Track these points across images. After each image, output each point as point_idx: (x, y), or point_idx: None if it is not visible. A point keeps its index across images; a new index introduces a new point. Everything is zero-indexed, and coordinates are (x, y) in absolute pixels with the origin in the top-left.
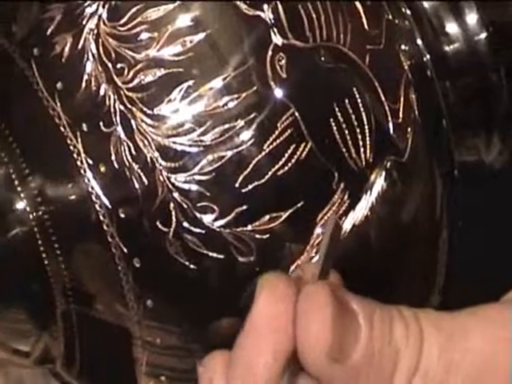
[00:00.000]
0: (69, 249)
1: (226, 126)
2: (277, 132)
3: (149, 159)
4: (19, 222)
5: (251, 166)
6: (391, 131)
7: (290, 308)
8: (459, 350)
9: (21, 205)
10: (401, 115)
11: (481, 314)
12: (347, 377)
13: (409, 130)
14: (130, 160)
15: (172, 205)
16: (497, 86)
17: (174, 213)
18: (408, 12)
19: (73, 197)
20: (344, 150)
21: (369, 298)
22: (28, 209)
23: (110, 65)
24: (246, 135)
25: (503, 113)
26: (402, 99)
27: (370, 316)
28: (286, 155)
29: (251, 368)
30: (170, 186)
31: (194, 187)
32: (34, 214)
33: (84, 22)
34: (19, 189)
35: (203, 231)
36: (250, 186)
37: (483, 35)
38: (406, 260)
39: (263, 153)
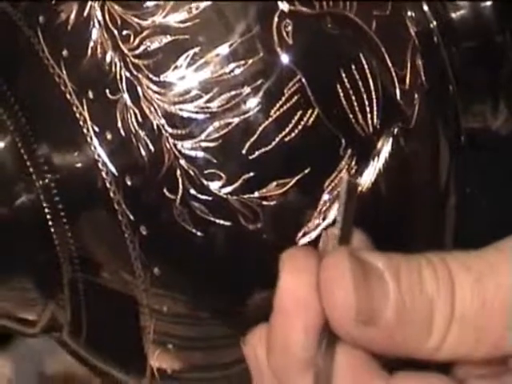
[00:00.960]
0: (75, 217)
1: (233, 92)
2: (283, 98)
3: (155, 126)
4: (25, 191)
5: (258, 132)
6: (398, 97)
7: (313, 280)
8: (490, 287)
9: (27, 173)
10: (407, 81)
11: (507, 248)
12: (383, 337)
13: (416, 96)
14: (137, 127)
15: (179, 172)
16: (502, 50)
17: (180, 180)
18: None
19: (79, 164)
20: (351, 116)
21: (393, 253)
22: (34, 177)
23: (115, 32)
24: (253, 102)
25: (509, 78)
26: (408, 65)
27: (397, 270)
28: (293, 121)
29: (287, 348)
30: (177, 153)
31: (201, 154)
32: (41, 182)
33: None
34: (25, 157)
35: (210, 198)
36: (256, 153)
37: (489, 1)
38: (413, 226)
39: (270, 119)
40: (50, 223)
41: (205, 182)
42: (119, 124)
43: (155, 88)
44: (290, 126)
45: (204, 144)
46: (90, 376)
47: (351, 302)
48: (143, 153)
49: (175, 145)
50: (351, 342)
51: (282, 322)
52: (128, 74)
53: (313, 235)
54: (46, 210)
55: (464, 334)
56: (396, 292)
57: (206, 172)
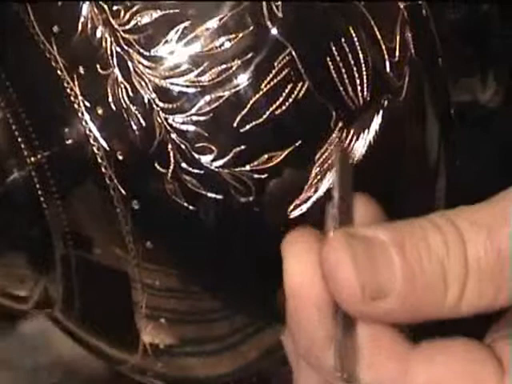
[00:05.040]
0: (67, 192)
1: (223, 66)
2: (274, 71)
3: (146, 100)
4: (17, 167)
5: (249, 105)
6: (388, 70)
7: (317, 259)
8: (503, 238)
9: (18, 149)
10: (397, 54)
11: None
12: (397, 308)
13: (405, 68)
14: (128, 102)
15: (170, 146)
16: (490, 23)
17: (172, 154)
18: None
19: (70, 140)
20: (341, 88)
21: (397, 222)
22: (26, 153)
23: (105, 7)
24: (243, 75)
25: (498, 51)
26: (398, 38)
27: (401, 239)
28: (284, 94)
29: (303, 327)
30: (168, 127)
31: (192, 128)
32: (32, 158)
33: None
34: (16, 133)
35: (201, 172)
36: (247, 126)
37: None
38: (403, 202)
39: (260, 92)
40: (42, 199)
41: (196, 156)
42: (110, 99)
43: (146, 62)
44: (281, 99)
45: (195, 118)
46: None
47: (354, 282)
48: (134, 127)
49: (166, 119)
50: (366, 318)
51: (295, 305)
52: (119, 49)
53: (304, 208)
54: (38, 186)
55: (483, 286)
56: (402, 263)
57: (197, 146)
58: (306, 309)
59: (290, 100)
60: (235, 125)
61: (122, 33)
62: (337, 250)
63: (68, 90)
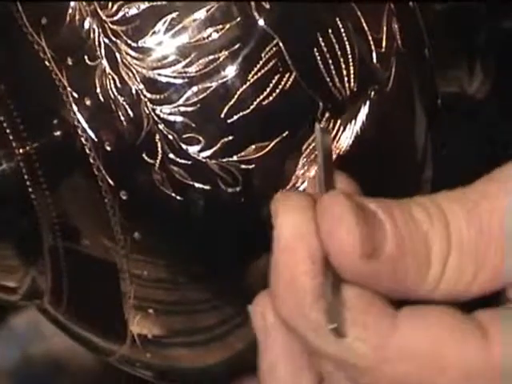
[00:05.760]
0: (55, 184)
1: (211, 57)
2: (261, 62)
3: (134, 91)
4: (6, 158)
5: (236, 96)
6: (374, 61)
7: (311, 215)
8: (485, 213)
9: (7, 140)
10: (384, 45)
11: (497, 176)
12: (386, 271)
13: (392, 59)
14: (115, 93)
15: (158, 136)
16: (478, 14)
17: (159, 144)
18: None
19: (59, 131)
20: (328, 79)
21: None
22: (14, 144)
23: None
24: (231, 66)
25: (484, 42)
26: (384, 29)
27: (390, 210)
28: (271, 85)
29: (294, 281)
30: (156, 118)
31: (180, 119)
32: (21, 149)
33: None
34: (5, 124)
35: (189, 162)
36: (235, 117)
37: None
38: (389, 193)
39: (248, 83)
40: (31, 190)
41: (184, 147)
42: (98, 90)
43: (133, 54)
44: (268, 89)
45: (183, 108)
46: (75, 357)
47: (356, 237)
48: (122, 118)
49: (154, 110)
50: (353, 279)
51: (287, 258)
52: (106, 41)
53: None
54: (27, 177)
55: (463, 262)
56: (392, 227)
57: (184, 136)
58: (299, 260)
59: (277, 91)
60: (222, 115)
61: (109, 24)
62: (337, 205)
63: (56, 82)
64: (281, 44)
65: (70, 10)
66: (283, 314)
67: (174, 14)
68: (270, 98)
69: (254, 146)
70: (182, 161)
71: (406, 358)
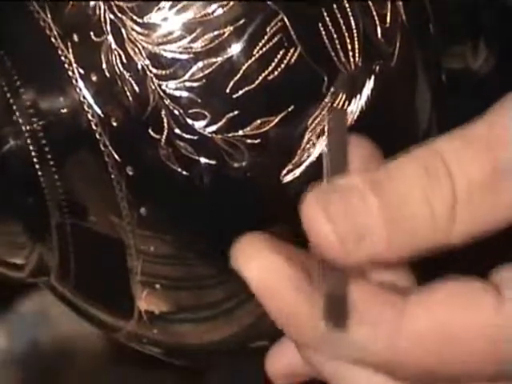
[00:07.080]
0: (62, 160)
1: (216, 32)
2: (266, 37)
3: (140, 67)
4: (13, 136)
5: (241, 71)
6: (379, 35)
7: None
8: (501, 154)
9: (14, 118)
10: (388, 20)
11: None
12: (385, 251)
13: (396, 35)
14: (121, 68)
15: (163, 112)
16: None
17: (165, 120)
18: None
19: (65, 108)
20: (333, 54)
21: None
22: (21, 121)
23: None
24: (236, 41)
25: (489, 17)
26: (389, 5)
27: (377, 182)
28: (276, 60)
29: (286, 315)
30: (161, 94)
31: (185, 94)
32: (28, 126)
33: None
34: (11, 101)
35: (195, 137)
36: (240, 92)
37: None
38: None
39: (253, 58)
40: (38, 167)
41: (189, 122)
42: (104, 66)
43: (139, 29)
44: (273, 64)
45: (188, 84)
46: (82, 342)
47: (330, 234)
48: (128, 94)
49: (160, 85)
50: (353, 265)
51: (272, 304)
52: (112, 17)
53: (297, 172)
54: (33, 154)
55: (477, 204)
56: (380, 204)
57: (190, 111)
58: (284, 298)
59: (283, 66)
60: (228, 91)
61: (115, 0)
62: (309, 207)
63: (62, 58)
64: (286, 19)
65: None
66: (298, 346)
67: None
68: (275, 73)
69: (259, 121)
70: (188, 136)
71: (420, 341)
